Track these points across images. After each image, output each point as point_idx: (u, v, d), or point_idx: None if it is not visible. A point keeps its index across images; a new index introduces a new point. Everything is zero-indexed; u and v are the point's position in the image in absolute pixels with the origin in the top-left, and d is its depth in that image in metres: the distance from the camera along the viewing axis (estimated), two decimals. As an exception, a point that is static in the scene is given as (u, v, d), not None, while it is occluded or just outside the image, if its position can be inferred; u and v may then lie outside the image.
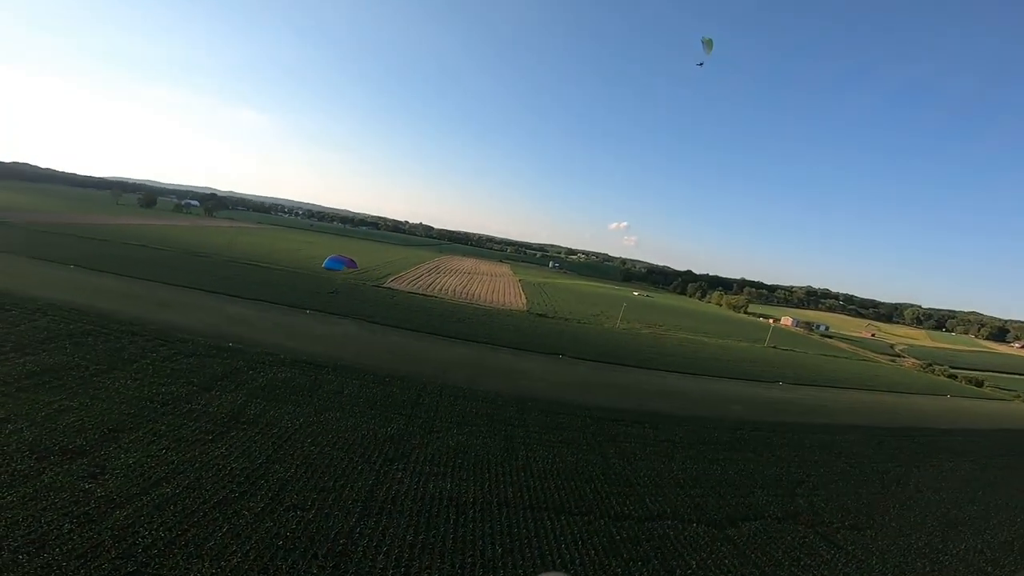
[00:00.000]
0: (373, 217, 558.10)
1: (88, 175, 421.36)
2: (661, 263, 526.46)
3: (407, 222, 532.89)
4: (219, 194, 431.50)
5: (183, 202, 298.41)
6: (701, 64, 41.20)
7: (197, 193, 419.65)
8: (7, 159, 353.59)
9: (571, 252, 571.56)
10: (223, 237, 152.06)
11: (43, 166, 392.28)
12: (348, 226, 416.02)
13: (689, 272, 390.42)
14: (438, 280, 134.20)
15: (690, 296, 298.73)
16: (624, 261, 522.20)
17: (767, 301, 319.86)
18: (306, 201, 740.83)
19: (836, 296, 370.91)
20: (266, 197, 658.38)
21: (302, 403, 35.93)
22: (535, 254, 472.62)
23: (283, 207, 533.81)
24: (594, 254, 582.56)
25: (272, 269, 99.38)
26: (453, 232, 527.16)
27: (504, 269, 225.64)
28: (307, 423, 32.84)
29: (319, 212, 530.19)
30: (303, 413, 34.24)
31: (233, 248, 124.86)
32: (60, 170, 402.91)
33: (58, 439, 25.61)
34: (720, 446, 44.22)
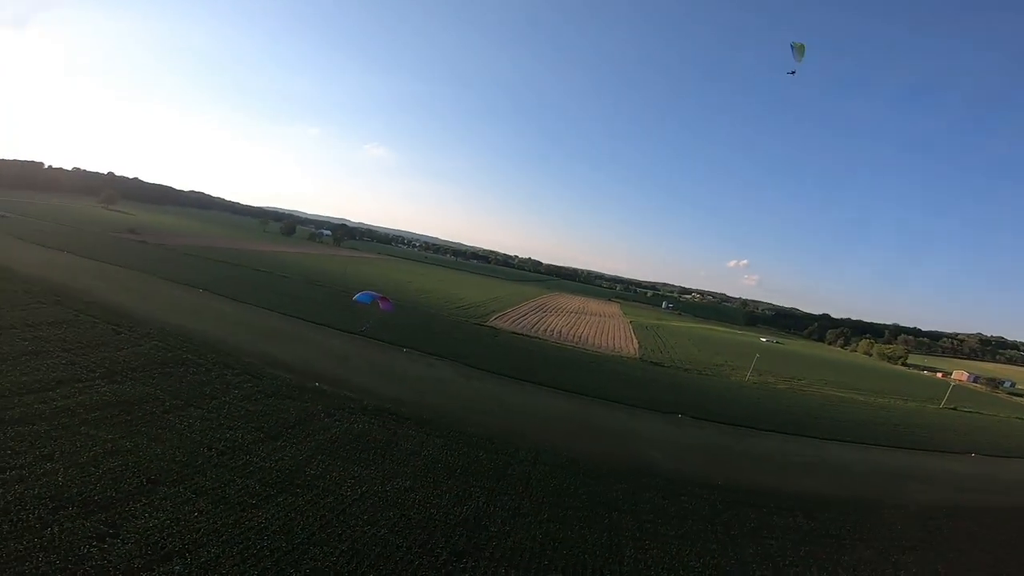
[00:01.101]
0: (484, 251, 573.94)
1: (248, 204, 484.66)
2: (788, 305, 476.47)
3: (516, 257, 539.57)
4: (350, 224, 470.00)
5: (317, 231, 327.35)
6: (793, 72, 39.06)
7: (331, 223, 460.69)
8: (185, 188, 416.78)
9: (685, 291, 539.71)
10: (342, 266, 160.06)
11: (214, 195, 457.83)
12: (459, 259, 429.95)
13: (826, 316, 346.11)
14: (544, 320, 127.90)
15: (829, 344, 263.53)
16: (745, 302, 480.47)
17: (929, 351, 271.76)
18: (424, 233, 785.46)
19: (1017, 346, 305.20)
20: (390, 229, 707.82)
21: (372, 464, 30.59)
22: (646, 293, 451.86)
23: (403, 239, 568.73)
24: (710, 294, 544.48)
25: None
26: (561, 268, 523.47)
27: (614, 309, 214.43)
28: (370, 492, 27.25)
29: (434, 244, 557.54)
30: (369, 478, 28.78)
31: (347, 278, 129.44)
32: (227, 199, 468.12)
33: (88, 487, 22.60)
34: (905, 542, 32.81)
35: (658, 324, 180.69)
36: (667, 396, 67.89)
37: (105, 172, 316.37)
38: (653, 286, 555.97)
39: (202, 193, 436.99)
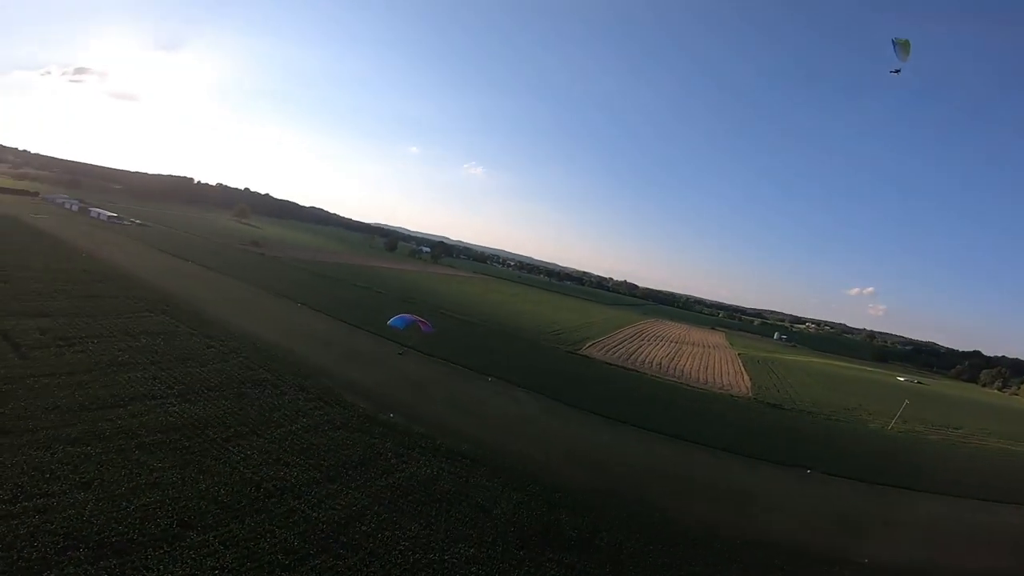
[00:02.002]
0: (578, 272, 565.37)
1: (359, 220, 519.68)
2: (924, 339, 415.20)
3: (610, 279, 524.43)
4: (449, 242, 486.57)
5: (417, 248, 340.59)
6: (897, 71, 36.77)
7: (431, 240, 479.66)
8: (306, 204, 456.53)
9: (796, 320, 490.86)
10: (438, 284, 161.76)
11: (331, 211, 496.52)
12: (554, 280, 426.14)
13: (977, 353, 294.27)
14: (641, 349, 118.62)
15: (984, 386, 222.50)
16: (872, 335, 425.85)
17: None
18: (518, 252, 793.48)
19: None
20: (486, 247, 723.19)
21: (434, 522, 25.90)
22: (751, 321, 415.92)
23: (498, 257, 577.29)
24: (827, 324, 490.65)
25: (470, 323, 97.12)
26: (658, 292, 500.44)
27: (718, 339, 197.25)
28: (426, 561, 22.61)
29: (529, 264, 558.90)
30: (428, 540, 24.11)
31: (439, 295, 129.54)
32: (341, 215, 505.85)
33: (111, 525, 20.30)
34: None
35: (771, 358, 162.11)
36: (789, 445, 57.21)
37: (242, 188, 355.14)
38: (759, 314, 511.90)
39: (321, 210, 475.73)
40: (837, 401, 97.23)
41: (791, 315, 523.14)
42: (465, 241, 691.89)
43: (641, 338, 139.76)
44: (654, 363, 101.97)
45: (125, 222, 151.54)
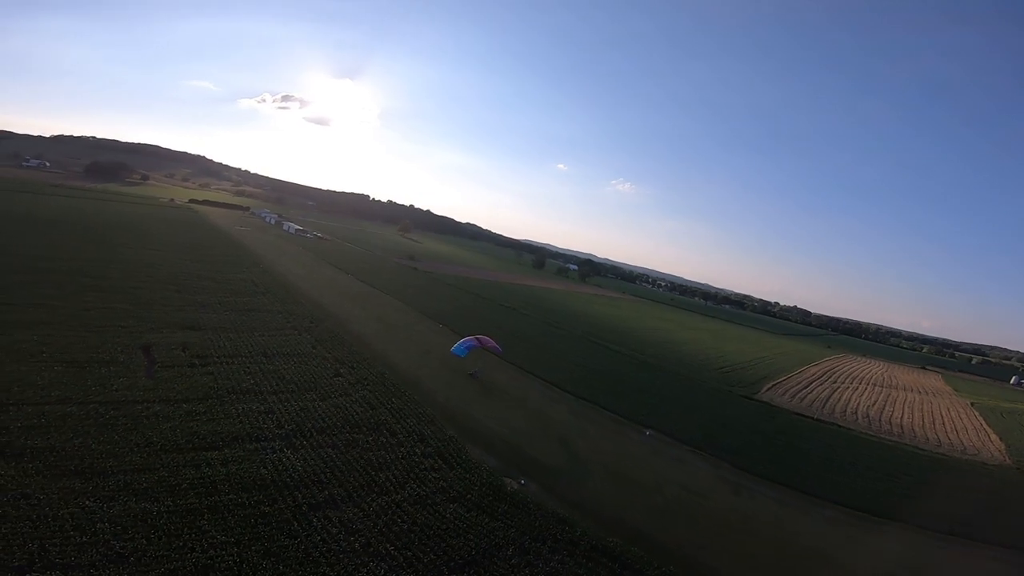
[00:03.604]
0: (738, 295, 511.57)
1: (509, 236, 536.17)
2: None
3: (777, 304, 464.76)
4: (595, 260, 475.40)
5: (565, 265, 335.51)
6: None
7: (578, 258, 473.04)
8: (463, 220, 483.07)
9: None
10: (585, 305, 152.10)
11: (483, 227, 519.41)
12: (710, 303, 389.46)
13: None
14: (838, 394, 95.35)
15: None
16: None
17: None
18: (668, 272, 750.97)
19: None
20: (634, 265, 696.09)
21: None
22: (968, 359, 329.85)
23: (647, 277, 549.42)
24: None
25: (621, 354, 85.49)
26: (837, 320, 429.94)
27: (935, 382, 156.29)
28: None
29: (681, 285, 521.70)
30: None
31: (587, 319, 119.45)
32: (493, 231, 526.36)
33: None
34: None
35: (1017, 408, 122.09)
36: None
37: (408, 204, 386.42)
38: (978, 350, 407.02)
39: (475, 226, 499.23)
40: None
41: (1016, 351, 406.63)
42: (612, 259, 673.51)
43: (833, 379, 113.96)
44: (859, 413, 80.00)
45: (308, 235, 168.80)
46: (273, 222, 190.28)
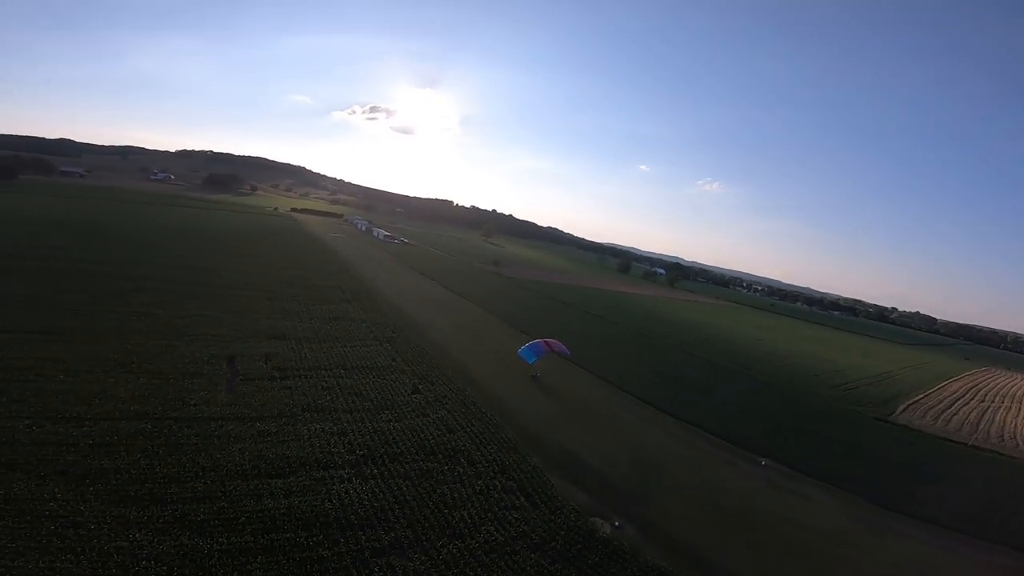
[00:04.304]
0: (847, 300, 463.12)
1: (590, 240, 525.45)
2: None
3: (894, 309, 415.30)
4: (683, 263, 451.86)
5: (651, 269, 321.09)
6: None
7: (664, 261, 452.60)
8: (544, 224, 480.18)
9: None
10: (678, 312, 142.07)
11: (564, 230, 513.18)
12: (815, 309, 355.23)
13: None
14: (989, 414, 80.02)
15: None
16: None
17: None
18: (764, 275, 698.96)
19: None
20: (725, 269, 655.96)
21: None
22: None
23: (741, 280, 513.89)
24: None
25: (725, 369, 76.84)
26: (969, 327, 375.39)
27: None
28: None
29: (780, 289, 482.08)
30: None
31: (681, 327, 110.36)
32: (574, 235, 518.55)
33: None
34: None
35: None
36: None
37: (490, 209, 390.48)
38: None
39: (557, 229, 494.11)
40: None
41: None
42: (700, 262, 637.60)
43: (980, 396, 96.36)
44: (1019, 438, 66.04)
45: (395, 241, 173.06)
46: (364, 228, 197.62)
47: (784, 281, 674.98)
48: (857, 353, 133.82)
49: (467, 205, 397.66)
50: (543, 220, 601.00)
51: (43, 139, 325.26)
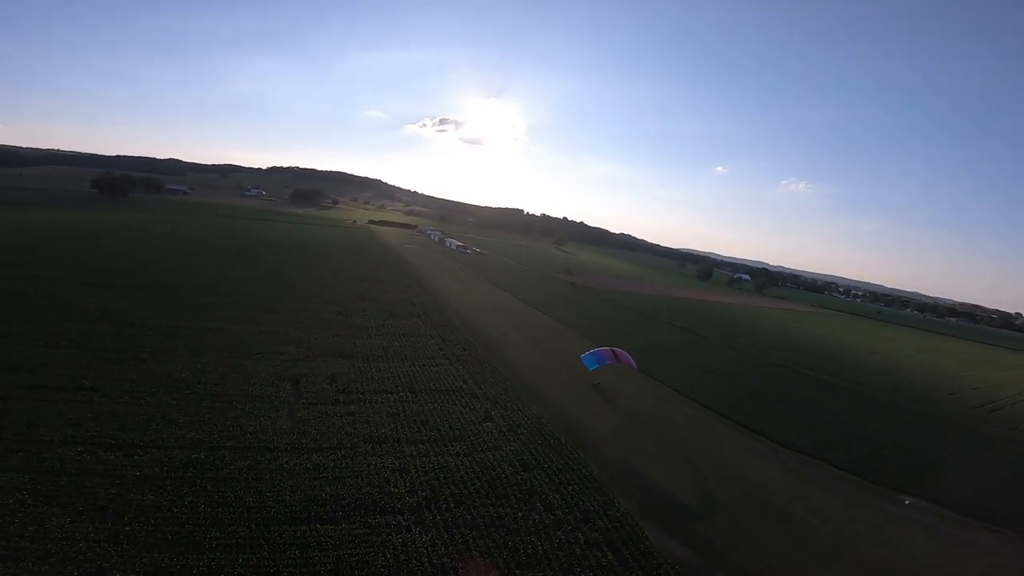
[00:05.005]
0: (964, 305, 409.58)
1: (666, 246, 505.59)
2: None
3: (1018, 315, 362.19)
4: (770, 269, 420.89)
5: (735, 275, 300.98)
6: None
7: (749, 267, 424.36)
8: (616, 231, 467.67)
9: None
10: (771, 322, 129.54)
11: (638, 237, 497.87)
12: (928, 316, 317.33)
13: None
14: None
15: None
16: None
17: None
18: (861, 279, 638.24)
19: None
20: (817, 274, 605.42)
21: None
22: None
23: (837, 286, 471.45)
24: None
25: (839, 387, 66.83)
26: None
27: None
28: None
29: (884, 295, 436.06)
30: None
31: (778, 339, 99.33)
32: (649, 241, 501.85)
33: None
34: None
35: None
36: None
37: (561, 217, 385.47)
38: None
39: (630, 236, 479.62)
40: None
41: None
42: (787, 267, 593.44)
43: None
44: None
45: (468, 251, 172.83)
46: (437, 239, 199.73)
47: (887, 285, 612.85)
48: (991, 366, 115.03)
49: (537, 213, 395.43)
50: (615, 227, 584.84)
51: (155, 159, 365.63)
